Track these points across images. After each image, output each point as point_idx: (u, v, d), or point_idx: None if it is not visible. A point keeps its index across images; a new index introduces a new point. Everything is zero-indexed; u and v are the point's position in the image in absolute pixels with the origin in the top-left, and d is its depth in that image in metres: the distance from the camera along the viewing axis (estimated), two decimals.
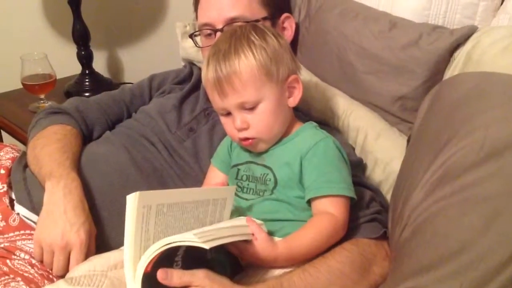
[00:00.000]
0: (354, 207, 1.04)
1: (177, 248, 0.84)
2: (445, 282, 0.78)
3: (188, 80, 1.46)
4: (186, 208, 0.90)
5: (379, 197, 1.16)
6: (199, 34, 1.32)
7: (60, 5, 2.00)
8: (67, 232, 1.03)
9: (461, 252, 0.77)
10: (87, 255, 1.03)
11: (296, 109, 1.10)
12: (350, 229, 1.02)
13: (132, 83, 1.53)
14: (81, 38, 2.02)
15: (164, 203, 0.86)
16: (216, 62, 0.99)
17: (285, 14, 1.34)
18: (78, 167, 1.18)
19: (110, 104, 1.41)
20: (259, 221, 0.97)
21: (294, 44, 1.41)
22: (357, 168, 1.18)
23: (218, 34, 1.22)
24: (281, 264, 0.95)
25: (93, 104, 1.38)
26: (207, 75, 1.01)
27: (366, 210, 1.08)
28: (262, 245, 0.92)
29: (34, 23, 2.22)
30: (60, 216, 1.04)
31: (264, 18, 1.25)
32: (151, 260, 0.82)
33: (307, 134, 1.04)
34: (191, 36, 1.35)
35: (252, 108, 0.99)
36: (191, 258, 0.85)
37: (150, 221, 0.84)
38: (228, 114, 1.02)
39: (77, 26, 2.01)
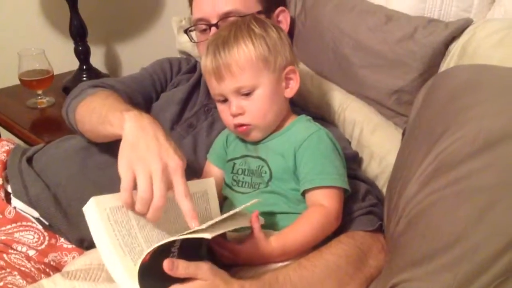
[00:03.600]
0: (350, 200, 1.04)
1: (173, 240, 0.84)
2: (439, 274, 0.78)
3: (193, 71, 1.43)
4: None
5: (374, 190, 1.15)
6: (194, 29, 1.32)
7: (57, 0, 2.00)
8: (164, 155, 0.90)
9: (455, 244, 0.77)
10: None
11: (293, 104, 1.10)
12: (346, 222, 1.02)
13: None
14: (78, 33, 2.01)
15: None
16: (215, 47, 1.01)
17: (280, 8, 1.33)
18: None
19: (138, 90, 1.35)
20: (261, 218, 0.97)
21: (290, 38, 1.40)
22: (353, 161, 1.18)
23: (213, 29, 1.22)
24: (276, 260, 0.95)
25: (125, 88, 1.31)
26: (206, 61, 1.02)
27: (362, 203, 1.08)
28: (255, 245, 0.92)
29: (31, 18, 2.21)
30: (152, 140, 0.92)
31: (259, 12, 1.24)
32: (149, 251, 0.83)
33: (300, 127, 1.04)
34: (186, 31, 1.35)
35: (248, 94, 1.01)
36: (187, 250, 0.85)
37: (117, 222, 0.86)
38: (225, 101, 1.03)
39: (74, 22, 2.00)
